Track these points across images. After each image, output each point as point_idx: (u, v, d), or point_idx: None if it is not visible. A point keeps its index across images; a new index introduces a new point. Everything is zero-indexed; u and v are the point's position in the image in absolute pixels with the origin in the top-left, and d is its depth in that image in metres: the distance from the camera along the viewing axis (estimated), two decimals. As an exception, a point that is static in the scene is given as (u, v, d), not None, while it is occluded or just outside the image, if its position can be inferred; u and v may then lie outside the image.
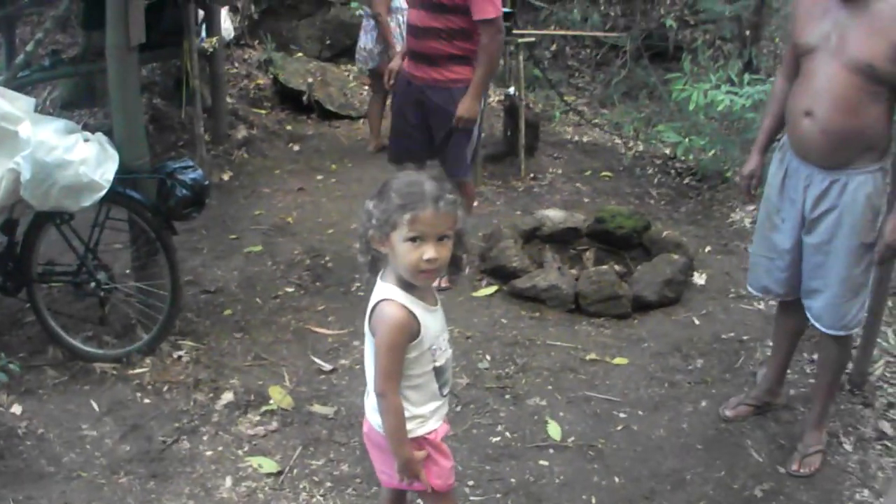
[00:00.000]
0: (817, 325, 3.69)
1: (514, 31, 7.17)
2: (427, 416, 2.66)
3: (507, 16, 6.74)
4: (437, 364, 2.62)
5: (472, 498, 3.62)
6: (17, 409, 4.18)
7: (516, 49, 7.19)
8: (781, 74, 3.82)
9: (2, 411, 4.14)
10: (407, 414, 2.58)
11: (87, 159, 4.13)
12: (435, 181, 2.46)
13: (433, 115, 5.04)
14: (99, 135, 4.38)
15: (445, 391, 2.71)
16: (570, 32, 9.75)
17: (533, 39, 7.79)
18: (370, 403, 2.71)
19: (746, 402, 4.17)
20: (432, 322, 2.58)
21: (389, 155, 5.42)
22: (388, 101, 6.73)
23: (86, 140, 4.25)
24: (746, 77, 6.93)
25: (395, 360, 2.52)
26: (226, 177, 7.16)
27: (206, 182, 4.51)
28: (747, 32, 8.72)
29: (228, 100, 8.34)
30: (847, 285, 3.57)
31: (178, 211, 4.41)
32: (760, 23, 8.82)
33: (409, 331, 2.50)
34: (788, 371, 4.28)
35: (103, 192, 4.20)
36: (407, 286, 2.52)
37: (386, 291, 2.52)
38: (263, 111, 8.63)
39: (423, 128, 5.13)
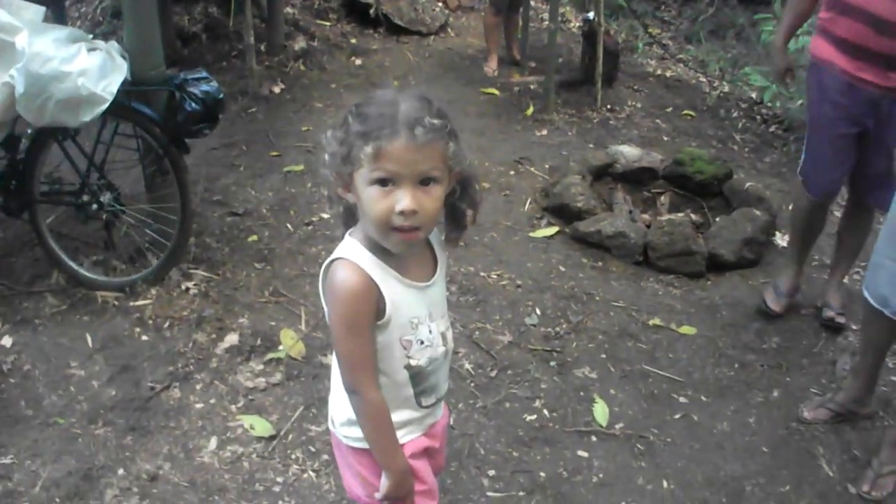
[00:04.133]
0: None
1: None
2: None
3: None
4: (413, 363, 1.89)
5: (489, 493, 3.07)
6: (7, 340, 3.83)
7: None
8: None
9: (-9, 343, 3.81)
10: None
11: (87, 70, 3.70)
12: (415, 99, 1.72)
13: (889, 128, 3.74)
14: (112, 44, 3.96)
15: (427, 402, 1.99)
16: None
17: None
18: (331, 399, 2.06)
19: (828, 405, 3.53)
20: (410, 303, 1.86)
21: (812, 187, 4.07)
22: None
23: (91, 49, 3.82)
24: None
25: (361, 343, 1.81)
26: (276, 89, 6.61)
27: (221, 95, 4.01)
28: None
29: (290, 10, 7.84)
30: None
31: (188, 127, 3.94)
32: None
33: (369, 302, 1.80)
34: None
35: (105, 106, 3.76)
36: (379, 248, 1.82)
37: (345, 248, 1.85)
38: (327, 23, 8.04)
39: (856, 149, 3.89)
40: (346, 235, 1.88)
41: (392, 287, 1.82)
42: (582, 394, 3.57)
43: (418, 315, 1.88)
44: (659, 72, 7.94)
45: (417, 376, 1.92)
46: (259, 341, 3.81)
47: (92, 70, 3.71)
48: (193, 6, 7.65)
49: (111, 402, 3.45)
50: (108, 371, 3.63)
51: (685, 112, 6.94)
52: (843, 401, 3.51)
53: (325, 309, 1.86)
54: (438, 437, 2.11)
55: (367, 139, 1.68)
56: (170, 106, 3.94)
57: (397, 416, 1.92)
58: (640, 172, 5.35)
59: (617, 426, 3.40)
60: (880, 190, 3.80)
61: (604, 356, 3.83)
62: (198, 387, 3.55)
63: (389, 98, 1.73)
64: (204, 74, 4.02)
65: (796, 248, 4.26)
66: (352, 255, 1.81)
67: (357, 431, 1.93)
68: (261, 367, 3.67)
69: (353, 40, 7.84)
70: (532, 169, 5.58)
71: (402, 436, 1.96)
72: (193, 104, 3.89)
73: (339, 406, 1.99)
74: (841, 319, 4.11)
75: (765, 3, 8.49)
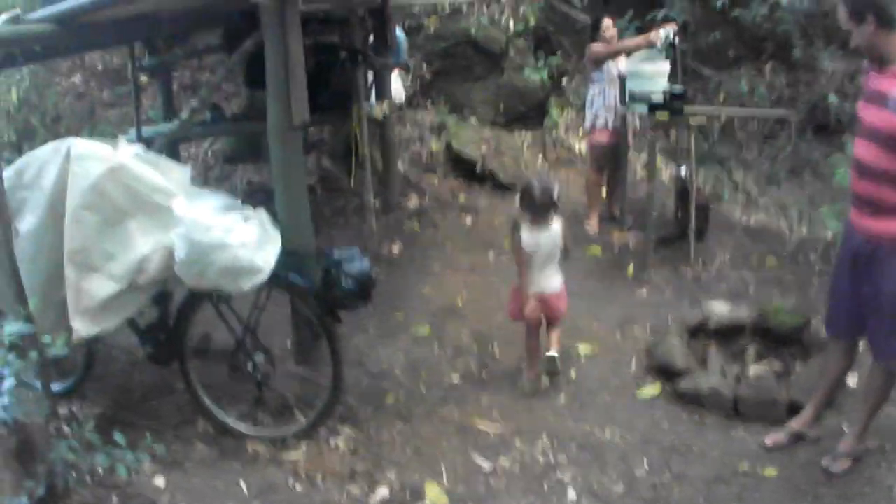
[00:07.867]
0: None
1: (686, 112, 6.87)
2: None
3: (678, 97, 6.59)
4: None
5: None
6: (160, 480, 4.14)
7: (688, 129, 6.98)
8: None
9: (144, 481, 4.08)
10: None
11: (246, 243, 4.03)
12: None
13: (874, 279, 4.06)
14: (261, 212, 4.30)
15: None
16: (737, 112, 9.39)
17: (704, 122, 7.50)
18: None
19: None
20: None
21: (825, 322, 4.57)
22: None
23: (246, 219, 4.16)
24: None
25: None
26: (396, 249, 7.08)
27: (372, 275, 4.37)
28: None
29: (399, 165, 8.24)
30: None
31: (343, 302, 4.32)
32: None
33: None
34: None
35: (264, 277, 4.10)
36: None
37: None
38: (436, 178, 8.52)
39: (854, 294, 4.21)
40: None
41: None
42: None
43: None
44: (744, 219, 8.20)
45: None
46: (408, 494, 4.18)
47: (250, 242, 4.03)
48: (307, 157, 8.16)
49: (274, 545, 3.81)
50: (266, 516, 3.99)
51: (769, 260, 7.19)
52: None
53: None
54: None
55: None
56: (326, 281, 4.27)
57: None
58: (731, 328, 5.80)
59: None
60: (874, 335, 4.19)
61: (702, 500, 4.22)
62: (355, 534, 3.92)
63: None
64: (356, 253, 4.36)
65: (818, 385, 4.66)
66: None
67: None
68: (410, 517, 4.06)
69: (462, 196, 8.27)
70: (635, 329, 6.00)
71: None
72: (349, 282, 4.23)
73: None
74: (836, 468, 4.34)
75: (838, 132, 8.73)
